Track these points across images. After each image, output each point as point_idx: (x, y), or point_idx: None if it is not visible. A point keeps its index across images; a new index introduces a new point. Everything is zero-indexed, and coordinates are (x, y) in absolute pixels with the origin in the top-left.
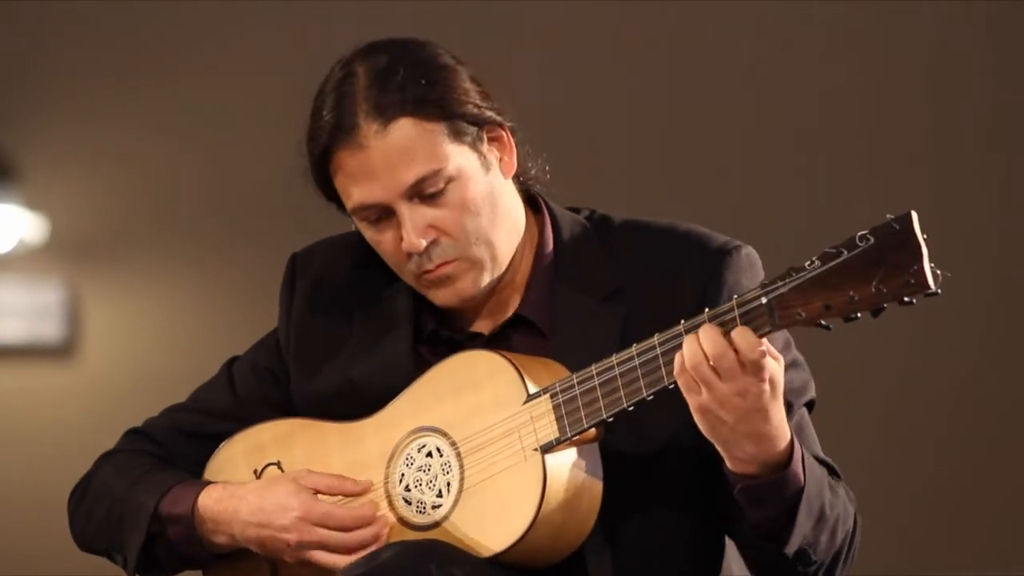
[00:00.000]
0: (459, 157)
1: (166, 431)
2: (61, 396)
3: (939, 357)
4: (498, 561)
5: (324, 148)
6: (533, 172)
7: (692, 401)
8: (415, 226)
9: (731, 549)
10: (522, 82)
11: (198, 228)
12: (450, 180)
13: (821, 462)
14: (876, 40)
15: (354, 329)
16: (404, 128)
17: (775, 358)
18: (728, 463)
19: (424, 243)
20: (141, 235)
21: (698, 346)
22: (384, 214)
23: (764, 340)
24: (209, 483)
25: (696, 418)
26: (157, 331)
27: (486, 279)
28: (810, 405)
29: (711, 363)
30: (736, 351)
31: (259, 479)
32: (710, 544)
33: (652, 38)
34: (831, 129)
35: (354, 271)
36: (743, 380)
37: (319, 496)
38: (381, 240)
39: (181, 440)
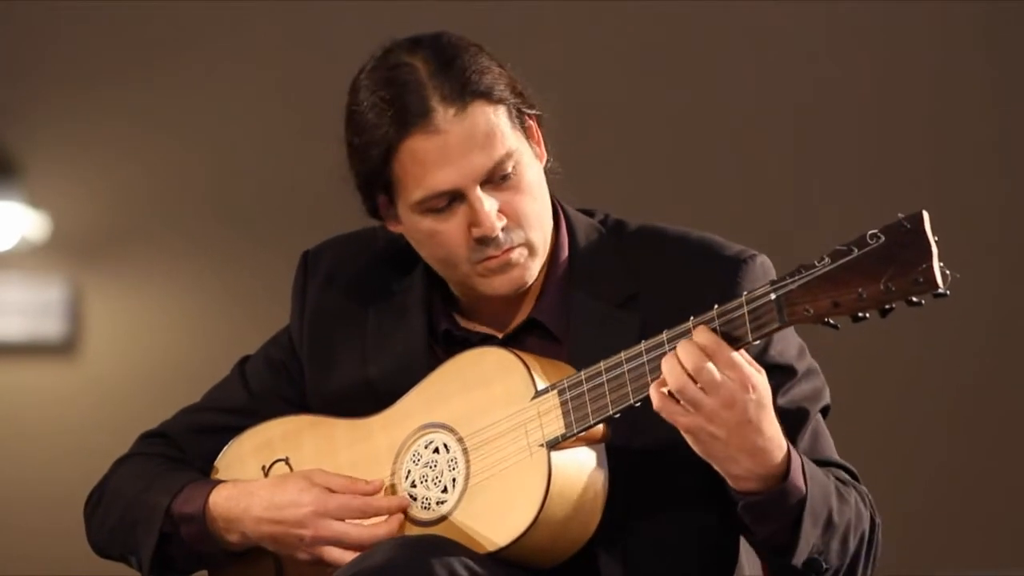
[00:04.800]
0: (519, 142)
1: (181, 431)
2: (62, 394)
3: (940, 359)
4: (500, 557)
5: (393, 139)
6: (549, 165)
7: (682, 424)
8: (492, 210)
9: (745, 546)
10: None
11: (200, 225)
12: (517, 164)
13: (838, 466)
14: (877, 40)
15: (367, 327)
16: (480, 111)
17: (758, 370)
18: (729, 481)
19: (499, 226)
20: (143, 232)
21: (679, 366)
22: (452, 201)
23: (743, 351)
24: (220, 481)
25: (689, 440)
26: (159, 329)
27: (537, 267)
28: (825, 411)
29: (696, 377)
30: (706, 353)
31: (267, 475)
32: (725, 542)
33: (653, 40)
34: (833, 131)
35: (366, 269)
36: (729, 389)
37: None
38: (444, 230)
39: (198, 439)
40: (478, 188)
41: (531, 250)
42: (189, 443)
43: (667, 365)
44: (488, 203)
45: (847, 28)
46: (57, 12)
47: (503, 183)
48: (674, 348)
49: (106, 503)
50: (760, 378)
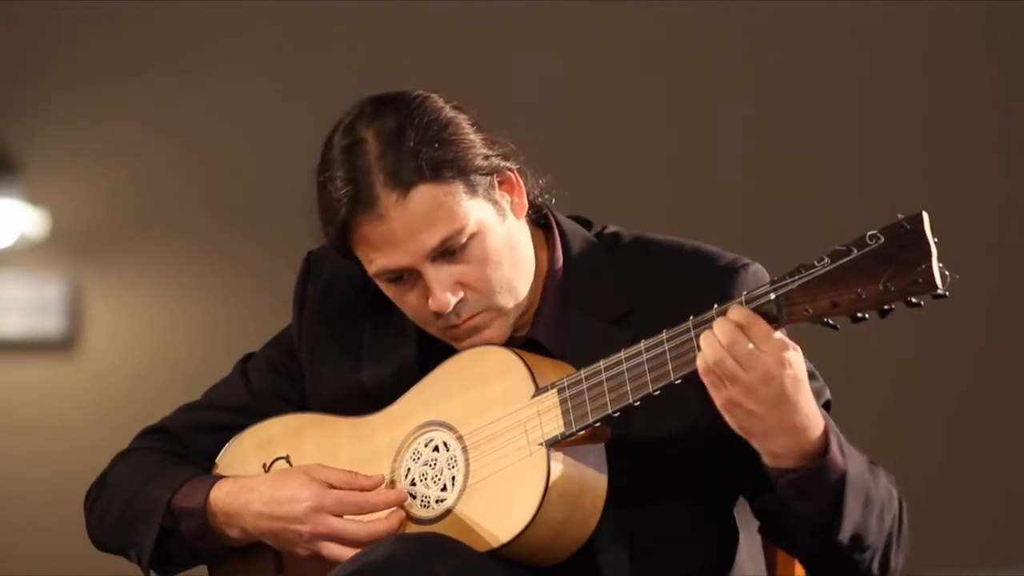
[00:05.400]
0: (477, 211)
1: (181, 427)
2: (62, 391)
3: (939, 360)
4: (499, 555)
5: (343, 221)
6: (540, 199)
7: (719, 398)
8: (442, 285)
9: (744, 544)
10: (523, 88)
11: (199, 222)
12: (472, 236)
13: None
14: (877, 40)
15: (365, 335)
16: (423, 194)
17: (794, 348)
18: (766, 459)
19: (453, 301)
20: (142, 229)
21: (716, 342)
22: (407, 274)
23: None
24: (221, 476)
25: (726, 415)
26: (158, 326)
27: (511, 325)
28: (827, 407)
29: (731, 352)
30: (744, 330)
31: (268, 473)
32: (725, 541)
33: (653, 40)
34: (833, 131)
35: (367, 278)
36: (765, 364)
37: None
38: (405, 300)
39: (198, 436)
40: (429, 265)
41: (498, 312)
42: (189, 440)
43: (705, 340)
44: (440, 278)
45: (847, 28)
46: (57, 12)
47: (461, 254)
48: (673, 347)
49: (106, 497)
50: (796, 354)
